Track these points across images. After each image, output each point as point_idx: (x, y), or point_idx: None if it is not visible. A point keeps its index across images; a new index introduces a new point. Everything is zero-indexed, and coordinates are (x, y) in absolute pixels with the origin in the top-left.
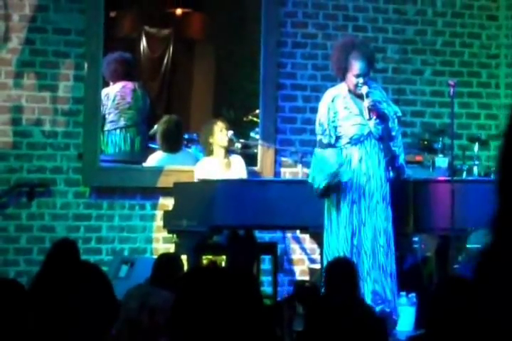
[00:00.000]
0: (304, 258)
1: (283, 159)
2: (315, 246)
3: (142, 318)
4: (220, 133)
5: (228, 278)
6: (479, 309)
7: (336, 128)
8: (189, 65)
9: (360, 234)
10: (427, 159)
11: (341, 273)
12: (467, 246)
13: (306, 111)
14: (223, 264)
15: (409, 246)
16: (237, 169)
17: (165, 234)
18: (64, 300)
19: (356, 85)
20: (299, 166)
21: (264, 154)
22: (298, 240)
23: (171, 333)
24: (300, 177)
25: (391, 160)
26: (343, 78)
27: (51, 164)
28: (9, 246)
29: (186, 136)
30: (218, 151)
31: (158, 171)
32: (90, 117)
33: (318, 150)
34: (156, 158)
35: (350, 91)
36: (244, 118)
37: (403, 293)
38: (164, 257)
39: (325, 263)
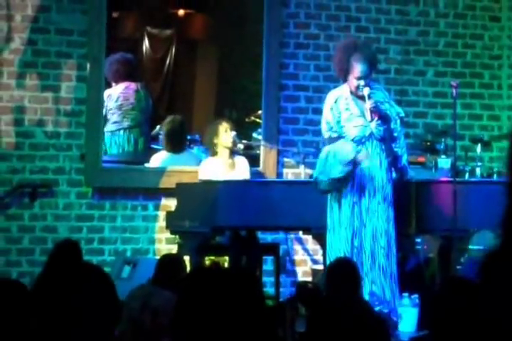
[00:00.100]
0: (307, 259)
1: (285, 160)
2: (317, 247)
3: (145, 319)
4: (225, 134)
5: (231, 278)
6: (482, 309)
7: (341, 127)
8: (191, 66)
9: (361, 235)
10: (430, 160)
11: (343, 273)
12: (469, 247)
13: (308, 111)
14: (226, 265)
15: (411, 247)
16: (241, 170)
17: (167, 234)
18: (66, 301)
19: (357, 87)
20: (302, 167)
21: (266, 155)
22: (300, 241)
23: (173, 334)
24: (302, 177)
25: (394, 161)
26: (344, 79)
27: (53, 165)
28: (12, 246)
29: (189, 137)
30: (222, 152)
31: (160, 172)
32: (92, 118)
33: (327, 147)
34: (159, 158)
35: (352, 92)
36: (247, 119)
37: (406, 294)
38: (167, 258)
39: (327, 264)
